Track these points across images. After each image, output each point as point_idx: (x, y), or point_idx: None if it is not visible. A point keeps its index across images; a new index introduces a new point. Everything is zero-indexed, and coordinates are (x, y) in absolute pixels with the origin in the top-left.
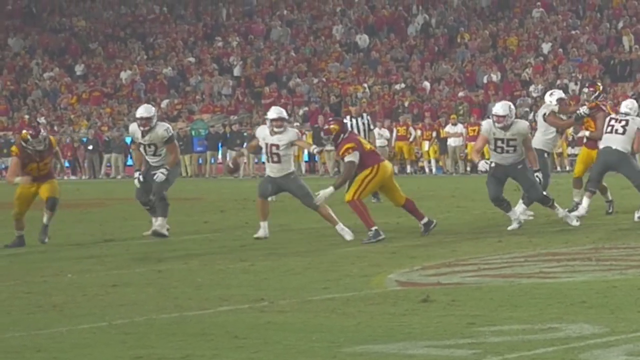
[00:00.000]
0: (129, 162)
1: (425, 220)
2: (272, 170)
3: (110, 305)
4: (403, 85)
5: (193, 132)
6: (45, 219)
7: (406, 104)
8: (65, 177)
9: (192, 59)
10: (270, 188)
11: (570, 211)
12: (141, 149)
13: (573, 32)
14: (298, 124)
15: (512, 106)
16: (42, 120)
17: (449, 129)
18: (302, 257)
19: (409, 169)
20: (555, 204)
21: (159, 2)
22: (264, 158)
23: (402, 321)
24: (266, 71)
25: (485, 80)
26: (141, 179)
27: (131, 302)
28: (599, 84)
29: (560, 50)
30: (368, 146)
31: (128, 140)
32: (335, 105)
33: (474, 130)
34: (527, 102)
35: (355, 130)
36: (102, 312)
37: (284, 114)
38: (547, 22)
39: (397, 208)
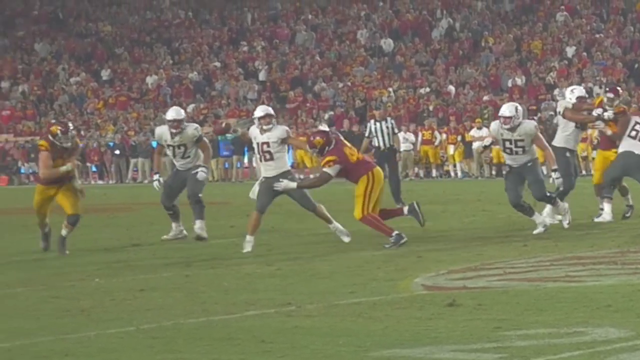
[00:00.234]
0: None
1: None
2: (267, 169)
3: (137, 309)
4: (428, 89)
5: (219, 137)
6: (64, 232)
7: (431, 107)
8: (92, 182)
9: (217, 64)
10: (268, 202)
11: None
12: (169, 151)
13: (597, 35)
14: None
15: (519, 107)
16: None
17: (474, 132)
18: (328, 261)
19: (434, 172)
20: (557, 203)
21: (184, 7)
22: (254, 161)
23: (428, 325)
24: (291, 75)
25: (509, 84)
26: (161, 181)
27: (158, 306)
28: (620, 88)
29: (585, 53)
30: (355, 157)
31: (154, 144)
32: (361, 109)
33: None
34: (552, 105)
35: (379, 134)
36: (130, 317)
37: (271, 111)
38: (571, 26)
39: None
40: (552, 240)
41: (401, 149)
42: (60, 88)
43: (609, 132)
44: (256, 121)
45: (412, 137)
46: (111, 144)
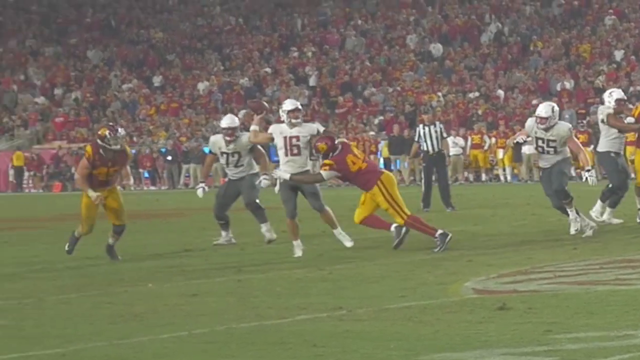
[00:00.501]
0: None
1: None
2: (291, 165)
3: (190, 314)
4: (477, 94)
5: (270, 142)
6: (111, 241)
7: (480, 112)
8: (145, 188)
9: (268, 70)
10: (294, 205)
11: None
12: (222, 159)
13: None
14: (374, 133)
15: (556, 108)
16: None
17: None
18: (378, 265)
19: (483, 177)
20: (572, 206)
21: (235, 13)
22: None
23: (478, 329)
24: (341, 81)
25: (558, 88)
26: (206, 189)
27: (211, 311)
28: None
29: (633, 57)
30: (356, 167)
31: (206, 150)
32: (410, 114)
33: None
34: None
35: (428, 139)
36: (183, 322)
37: (300, 105)
38: (619, 30)
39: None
40: (602, 244)
41: (450, 153)
42: (112, 95)
43: None
44: (284, 115)
45: (461, 141)
46: (163, 150)
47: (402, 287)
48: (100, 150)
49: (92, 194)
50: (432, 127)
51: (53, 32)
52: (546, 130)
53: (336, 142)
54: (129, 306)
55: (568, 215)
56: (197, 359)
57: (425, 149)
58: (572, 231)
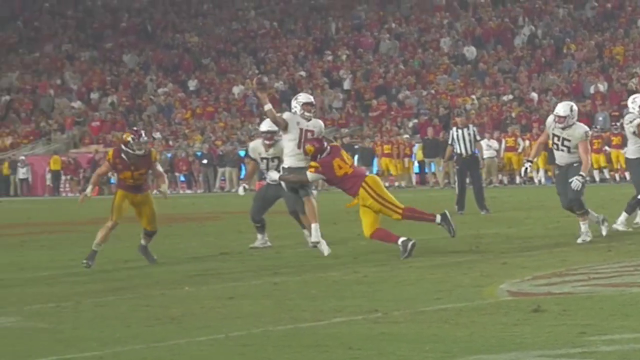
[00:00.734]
0: (242, 175)
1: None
2: (299, 156)
3: (227, 317)
4: (511, 97)
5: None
6: (143, 242)
7: (514, 114)
8: (181, 191)
9: (302, 73)
10: (293, 200)
11: None
12: (262, 164)
13: None
14: (408, 136)
15: (574, 107)
16: (157, 135)
17: None
18: (414, 268)
19: (517, 179)
20: (585, 219)
21: (269, 17)
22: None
23: (513, 331)
24: (375, 84)
25: (592, 91)
26: (246, 187)
27: (248, 314)
28: None
29: None
30: (342, 171)
31: (242, 153)
32: (444, 117)
33: None
34: None
35: (461, 141)
36: (220, 325)
37: (313, 100)
38: None
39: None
40: (637, 245)
41: (484, 156)
42: (148, 99)
43: None
44: (298, 108)
45: (495, 144)
46: (199, 153)
47: (438, 290)
48: (122, 155)
49: (87, 191)
50: (465, 130)
51: (89, 36)
52: (563, 128)
53: (325, 145)
54: (165, 309)
55: (576, 215)
56: None
57: (459, 151)
58: (579, 241)
